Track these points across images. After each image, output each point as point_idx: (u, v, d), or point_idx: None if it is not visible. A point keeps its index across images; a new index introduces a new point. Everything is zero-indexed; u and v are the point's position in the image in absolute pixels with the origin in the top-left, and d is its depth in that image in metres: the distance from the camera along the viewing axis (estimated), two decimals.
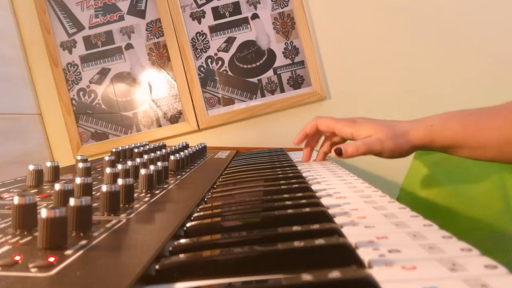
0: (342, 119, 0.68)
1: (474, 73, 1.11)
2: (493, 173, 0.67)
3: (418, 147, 0.62)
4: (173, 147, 0.81)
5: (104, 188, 0.36)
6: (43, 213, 0.26)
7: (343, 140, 0.71)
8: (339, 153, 0.63)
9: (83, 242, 0.28)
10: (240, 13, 1.15)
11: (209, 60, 1.15)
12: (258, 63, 1.15)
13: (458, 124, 0.58)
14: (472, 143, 0.56)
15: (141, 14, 1.16)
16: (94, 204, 0.37)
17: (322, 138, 0.77)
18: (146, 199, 0.42)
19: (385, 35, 1.13)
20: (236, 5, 1.15)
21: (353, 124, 0.65)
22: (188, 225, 0.35)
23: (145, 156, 0.61)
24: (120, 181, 0.39)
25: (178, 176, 0.57)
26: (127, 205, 0.39)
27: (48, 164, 0.53)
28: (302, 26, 1.12)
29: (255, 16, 1.15)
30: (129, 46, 1.16)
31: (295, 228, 0.30)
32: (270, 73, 1.14)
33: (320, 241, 0.26)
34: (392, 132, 0.61)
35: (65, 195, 0.36)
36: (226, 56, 1.15)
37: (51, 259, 0.25)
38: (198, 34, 1.15)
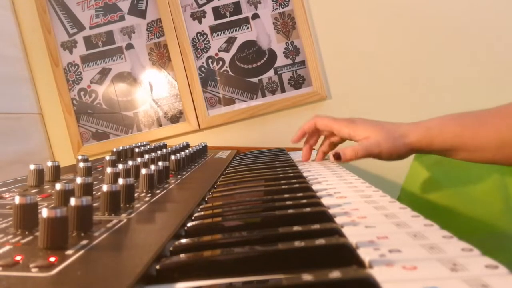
0: (341, 118, 0.68)
1: (476, 74, 1.11)
2: (494, 173, 0.67)
3: (416, 150, 0.61)
4: (173, 147, 0.81)
5: (104, 187, 0.36)
6: (44, 213, 0.26)
7: (342, 139, 0.70)
8: (337, 157, 0.63)
9: (84, 242, 0.28)
10: (241, 13, 1.15)
11: (209, 60, 1.15)
12: (258, 63, 1.15)
13: (456, 126, 0.58)
14: (470, 145, 0.56)
15: (142, 14, 1.16)
16: (95, 204, 0.37)
17: (321, 138, 0.77)
18: (147, 198, 0.42)
19: (385, 35, 1.13)
20: (236, 5, 1.15)
21: (351, 124, 0.65)
22: (188, 225, 0.35)
23: (146, 156, 0.62)
24: (120, 181, 0.39)
25: (179, 176, 0.57)
26: (127, 205, 0.39)
27: (49, 163, 0.53)
28: (303, 26, 1.12)
29: (255, 16, 1.15)
30: (129, 46, 1.16)
31: (296, 228, 0.30)
32: (270, 73, 1.14)
33: (320, 241, 0.26)
34: (389, 135, 0.61)
35: (66, 194, 0.36)
36: (227, 56, 1.15)
37: (52, 259, 0.25)
38: (198, 34, 1.15)
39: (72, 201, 0.29)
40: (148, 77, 1.16)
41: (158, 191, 0.46)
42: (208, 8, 1.15)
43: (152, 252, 0.26)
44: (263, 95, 1.14)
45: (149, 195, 0.44)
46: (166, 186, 0.50)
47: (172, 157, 0.62)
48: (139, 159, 0.55)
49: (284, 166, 0.65)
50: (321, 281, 0.21)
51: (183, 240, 0.31)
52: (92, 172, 0.57)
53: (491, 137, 0.54)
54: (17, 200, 0.30)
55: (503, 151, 0.54)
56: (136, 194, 0.43)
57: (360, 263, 0.24)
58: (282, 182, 0.50)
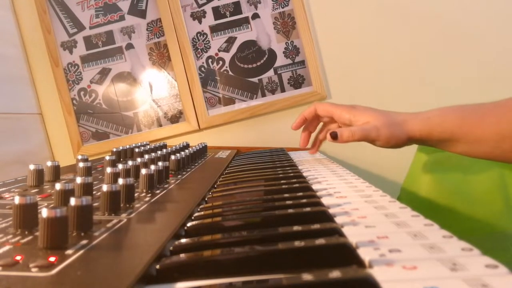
0: (341, 105, 0.68)
1: (476, 74, 1.11)
2: (494, 172, 0.67)
3: (414, 139, 0.61)
4: (173, 147, 0.81)
5: (104, 187, 0.36)
6: (44, 212, 0.26)
7: (341, 127, 0.70)
8: (334, 136, 0.62)
9: (84, 241, 0.28)
10: (241, 13, 1.15)
11: (209, 60, 1.15)
12: (258, 63, 1.15)
13: (456, 117, 0.57)
14: (470, 137, 0.56)
15: (142, 14, 1.16)
16: (95, 204, 0.37)
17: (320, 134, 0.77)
18: (147, 198, 0.42)
19: (385, 34, 1.13)
20: (236, 4, 1.15)
21: (352, 110, 0.65)
22: (188, 224, 0.35)
23: (146, 156, 0.61)
24: (120, 181, 0.39)
25: (179, 176, 0.57)
26: (127, 205, 0.39)
27: (49, 163, 0.53)
28: (303, 25, 1.12)
29: (255, 16, 1.15)
30: (129, 46, 1.16)
31: (296, 227, 0.30)
32: (270, 72, 1.14)
33: (320, 241, 0.26)
34: (389, 121, 0.61)
35: (66, 194, 0.36)
36: (227, 56, 1.15)
37: (52, 259, 0.25)
38: (198, 34, 1.15)
39: (72, 201, 0.29)
40: (148, 77, 1.16)
41: (158, 191, 0.46)
42: (208, 8, 1.15)
43: (152, 252, 0.26)
44: (263, 95, 1.14)
45: (149, 195, 0.44)
46: (166, 186, 0.50)
47: (172, 157, 0.62)
48: (139, 159, 0.55)
49: (284, 166, 0.65)
50: (321, 281, 0.21)
51: (183, 240, 0.31)
52: (92, 172, 0.57)
53: (491, 130, 0.54)
54: (17, 200, 0.30)
55: (502, 144, 0.54)
56: (136, 194, 0.43)
57: (360, 263, 0.24)
58: (282, 182, 0.50)
